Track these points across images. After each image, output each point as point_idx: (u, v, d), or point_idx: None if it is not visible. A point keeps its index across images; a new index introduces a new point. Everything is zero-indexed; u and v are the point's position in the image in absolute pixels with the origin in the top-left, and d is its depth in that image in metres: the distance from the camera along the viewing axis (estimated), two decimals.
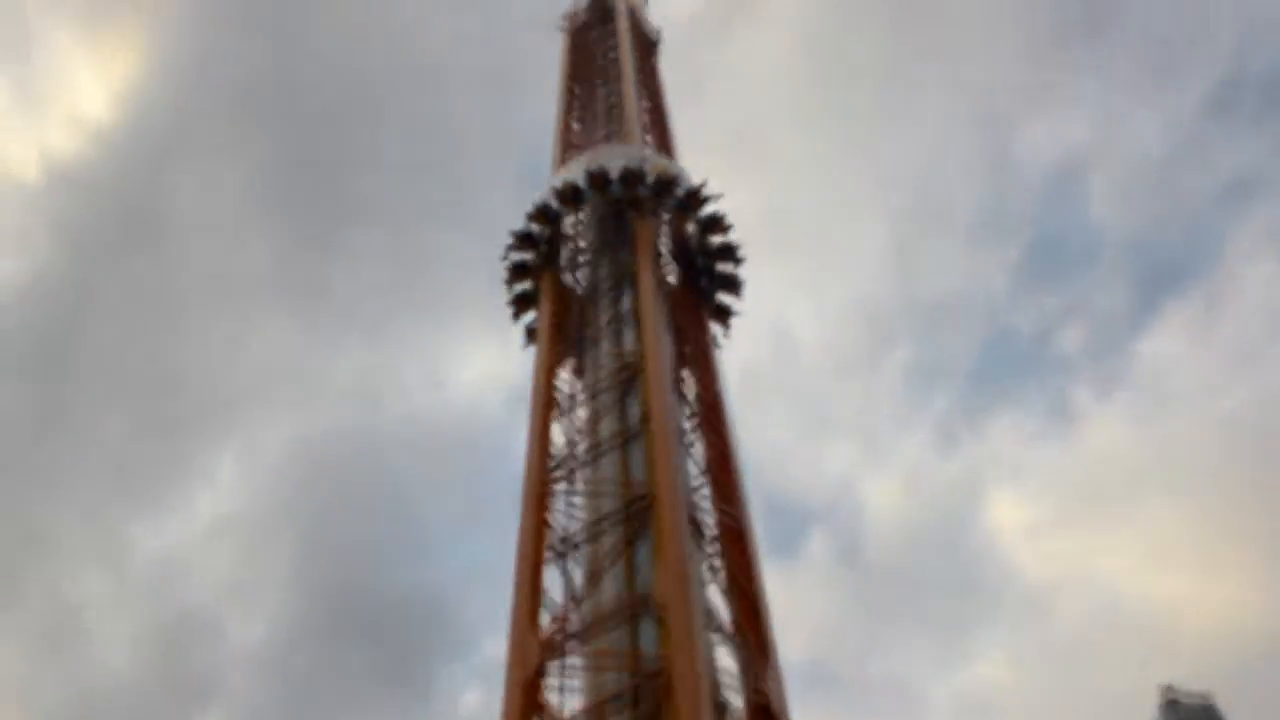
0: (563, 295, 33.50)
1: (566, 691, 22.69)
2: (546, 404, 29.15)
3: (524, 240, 34.35)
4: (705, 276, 34.24)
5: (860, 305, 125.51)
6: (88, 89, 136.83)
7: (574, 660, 23.04)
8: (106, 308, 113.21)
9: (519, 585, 23.81)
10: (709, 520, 27.08)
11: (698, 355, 31.89)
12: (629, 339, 30.13)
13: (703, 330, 33.08)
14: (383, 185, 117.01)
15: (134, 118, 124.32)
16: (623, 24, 50.94)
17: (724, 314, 34.34)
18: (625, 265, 32.32)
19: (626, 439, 27.06)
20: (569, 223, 35.27)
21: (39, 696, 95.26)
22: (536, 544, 24.93)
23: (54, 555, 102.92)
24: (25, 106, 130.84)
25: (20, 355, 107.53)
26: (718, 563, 26.38)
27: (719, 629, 24.00)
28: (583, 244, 35.41)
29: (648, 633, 22.44)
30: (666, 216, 34.77)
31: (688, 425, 29.15)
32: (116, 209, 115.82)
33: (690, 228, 34.68)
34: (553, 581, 24.88)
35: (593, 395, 29.52)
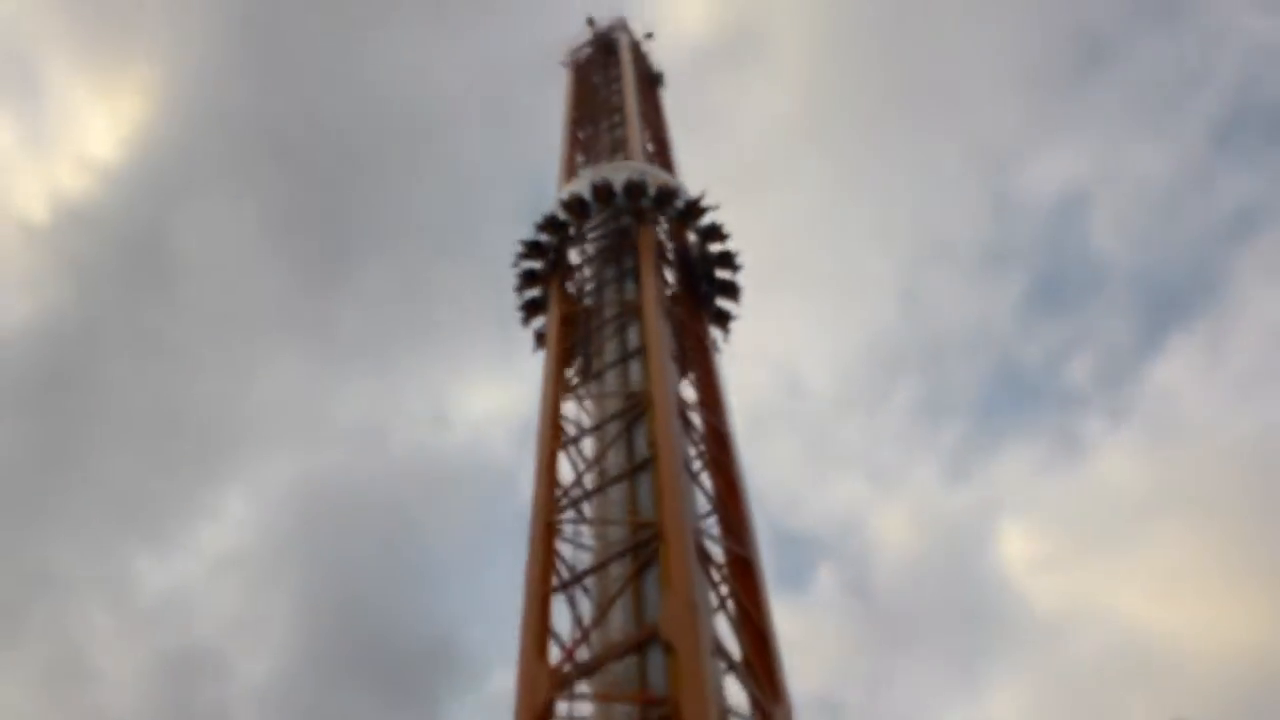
0: (569, 302, 35.22)
1: None
2: (554, 429, 29.24)
3: (533, 249, 36.21)
4: (705, 283, 36.07)
5: (867, 340, 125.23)
6: (96, 129, 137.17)
7: (583, 692, 22.82)
8: (114, 346, 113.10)
9: (527, 618, 23.62)
10: (717, 551, 26.88)
11: (698, 357, 33.30)
12: (635, 370, 30.36)
13: (703, 332, 34.64)
14: (387, 222, 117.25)
15: (142, 157, 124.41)
16: (625, 56, 51.98)
17: (723, 318, 36.27)
18: (630, 295, 33.04)
19: (634, 470, 26.98)
20: (574, 253, 36.71)
21: None
22: (544, 576, 24.79)
23: (58, 591, 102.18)
24: (34, 146, 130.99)
25: (28, 393, 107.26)
26: (726, 594, 26.17)
27: (728, 661, 23.72)
28: (588, 271, 36.61)
29: (656, 664, 22.22)
30: (668, 227, 36.71)
31: (694, 454, 29.04)
32: (124, 248, 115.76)
33: (691, 237, 36.66)
34: (560, 614, 24.74)
35: (598, 426, 29.49)
